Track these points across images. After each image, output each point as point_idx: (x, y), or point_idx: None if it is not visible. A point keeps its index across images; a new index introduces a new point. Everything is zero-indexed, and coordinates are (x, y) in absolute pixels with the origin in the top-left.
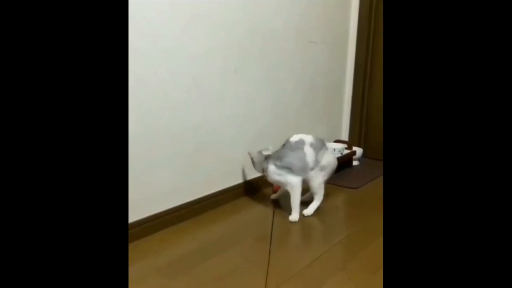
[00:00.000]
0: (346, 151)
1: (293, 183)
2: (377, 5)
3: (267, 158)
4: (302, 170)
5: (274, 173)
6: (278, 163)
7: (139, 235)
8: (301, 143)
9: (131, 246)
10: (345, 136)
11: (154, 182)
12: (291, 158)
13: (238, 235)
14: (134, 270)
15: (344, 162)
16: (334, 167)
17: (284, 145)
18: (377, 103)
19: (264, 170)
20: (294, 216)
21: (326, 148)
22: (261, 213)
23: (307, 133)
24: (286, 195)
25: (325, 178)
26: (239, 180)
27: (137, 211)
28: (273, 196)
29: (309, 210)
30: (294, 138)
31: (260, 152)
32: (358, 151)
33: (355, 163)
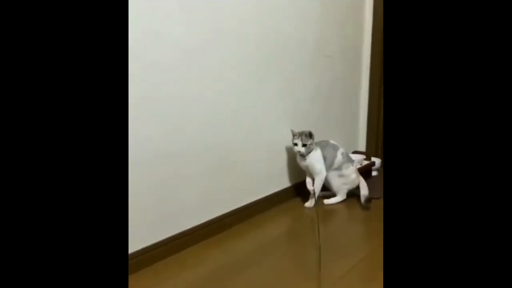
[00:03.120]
0: (365, 162)
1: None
2: None
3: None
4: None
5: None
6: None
7: (172, 251)
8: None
9: (161, 264)
10: (362, 147)
11: (182, 198)
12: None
13: (264, 249)
14: (167, 287)
15: (364, 173)
16: (353, 183)
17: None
18: None
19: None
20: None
21: (352, 165)
22: (287, 226)
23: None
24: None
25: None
26: (264, 193)
27: (168, 227)
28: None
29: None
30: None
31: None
32: (377, 161)
33: (374, 173)
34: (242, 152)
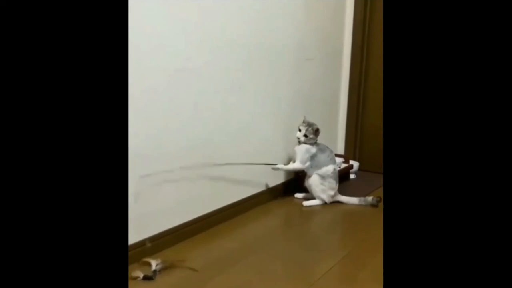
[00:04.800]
0: (344, 165)
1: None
2: (370, 22)
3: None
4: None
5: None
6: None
7: (152, 251)
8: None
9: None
10: (341, 150)
11: (163, 198)
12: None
13: (248, 248)
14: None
15: (342, 176)
16: (328, 197)
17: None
18: (371, 117)
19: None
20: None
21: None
22: (270, 225)
23: None
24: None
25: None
26: (248, 193)
27: (147, 227)
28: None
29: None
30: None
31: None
32: (355, 164)
33: (352, 176)
34: (226, 152)
